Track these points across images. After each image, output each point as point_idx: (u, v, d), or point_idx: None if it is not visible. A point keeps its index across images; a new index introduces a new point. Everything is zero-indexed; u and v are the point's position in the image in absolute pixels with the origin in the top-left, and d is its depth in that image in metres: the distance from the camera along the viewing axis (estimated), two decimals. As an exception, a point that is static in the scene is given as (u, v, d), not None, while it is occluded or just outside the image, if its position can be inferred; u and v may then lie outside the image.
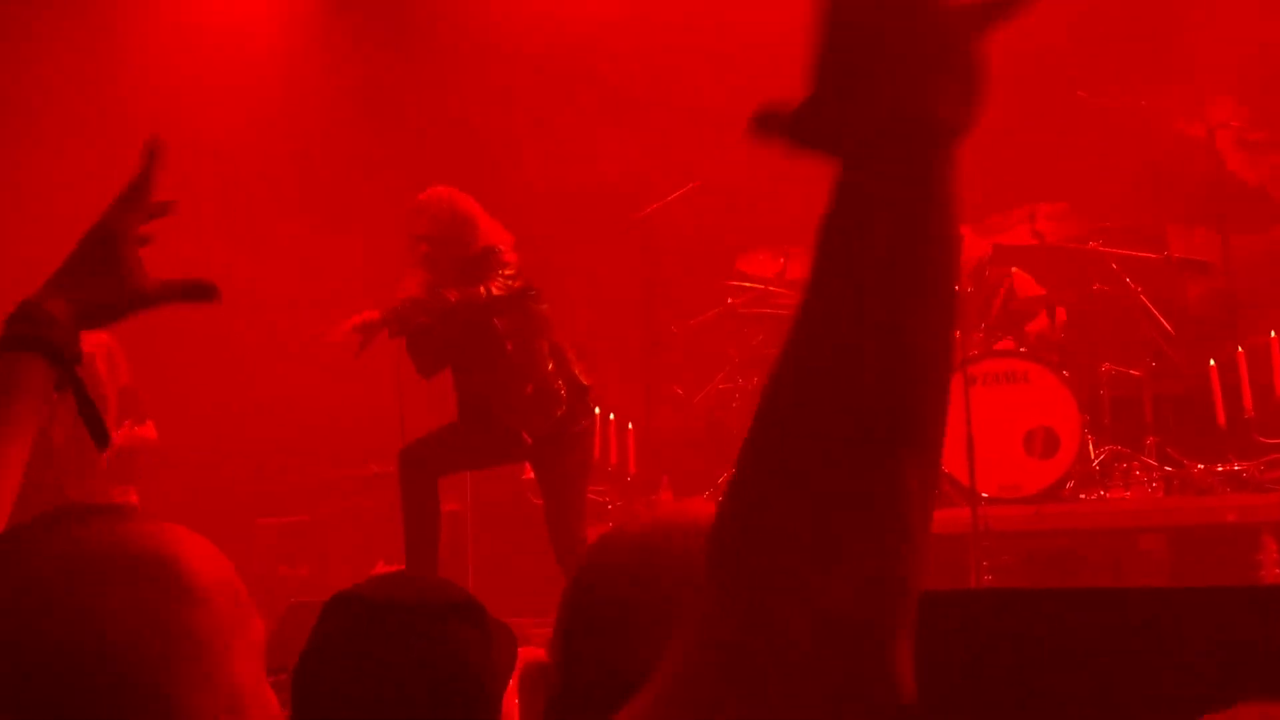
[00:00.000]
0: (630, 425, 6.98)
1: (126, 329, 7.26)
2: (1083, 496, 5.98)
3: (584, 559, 1.22)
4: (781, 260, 6.87)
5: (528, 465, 6.83)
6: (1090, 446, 6.03)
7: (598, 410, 5.72)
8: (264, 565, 8.85)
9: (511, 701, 1.49)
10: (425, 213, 5.14)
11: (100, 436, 1.31)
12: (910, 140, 0.74)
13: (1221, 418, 5.72)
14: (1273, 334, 5.68)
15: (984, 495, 5.72)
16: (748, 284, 7.07)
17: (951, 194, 0.75)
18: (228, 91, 9.28)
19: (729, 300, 7.02)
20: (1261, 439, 5.77)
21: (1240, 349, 5.72)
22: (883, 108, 0.74)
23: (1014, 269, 6.80)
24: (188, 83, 9.22)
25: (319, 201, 9.31)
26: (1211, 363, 5.83)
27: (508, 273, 5.09)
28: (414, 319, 5.05)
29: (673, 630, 0.73)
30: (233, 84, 9.33)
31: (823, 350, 0.72)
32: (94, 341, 6.84)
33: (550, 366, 5.22)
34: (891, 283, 0.72)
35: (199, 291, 1.37)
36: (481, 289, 5.01)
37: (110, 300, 1.35)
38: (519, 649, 1.42)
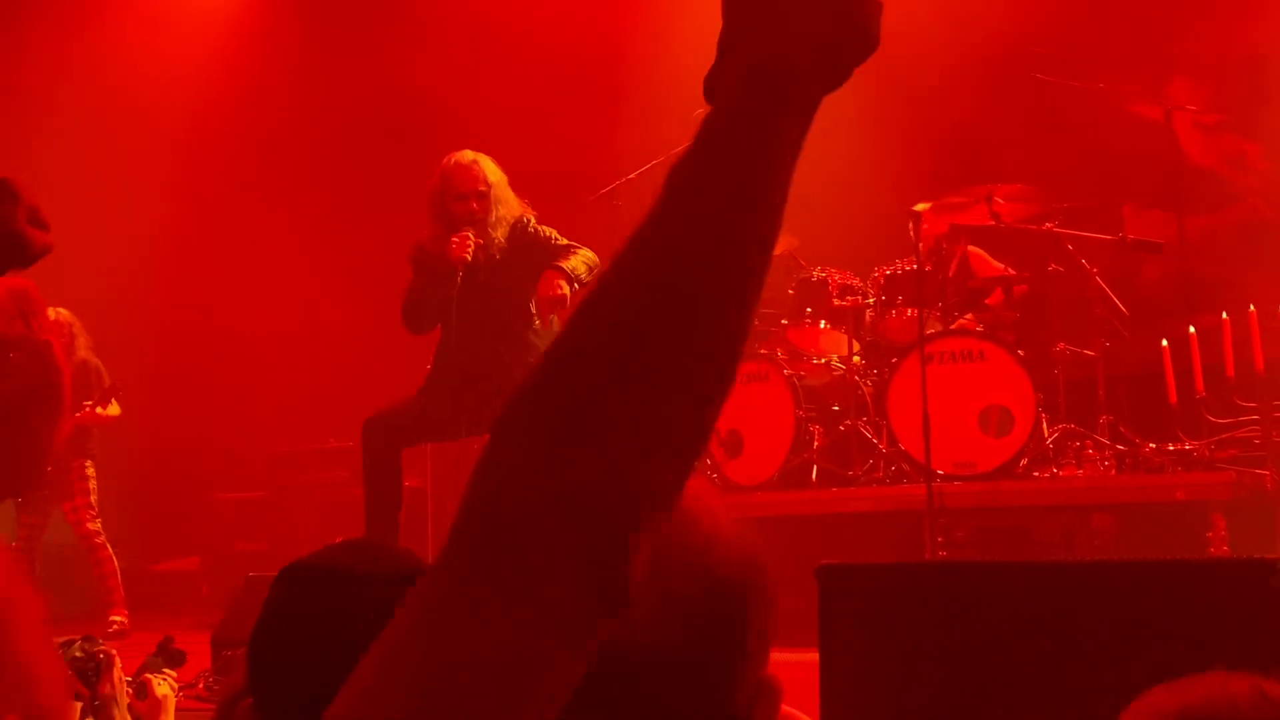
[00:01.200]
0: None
1: (88, 305, 7.19)
2: (1036, 474, 6.04)
3: None
4: (742, 238, 6.87)
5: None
6: (1044, 425, 6.10)
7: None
8: (222, 540, 8.83)
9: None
10: (479, 171, 5.12)
11: None
12: (754, 83, 0.79)
13: (1173, 397, 5.79)
14: (1224, 315, 5.75)
15: (939, 472, 5.79)
16: (708, 262, 7.08)
17: (789, 140, 0.79)
18: (188, 73, 9.19)
19: (689, 278, 7.02)
20: (1212, 419, 5.84)
21: (1192, 330, 5.79)
22: (742, 55, 0.80)
23: (971, 248, 6.86)
24: (150, 62, 9.12)
25: (279, 182, 9.24)
26: (1164, 343, 5.90)
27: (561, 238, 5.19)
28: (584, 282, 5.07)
29: None
30: (193, 67, 9.24)
31: (637, 267, 0.76)
32: (51, 322, 6.78)
33: None
34: (711, 210, 0.77)
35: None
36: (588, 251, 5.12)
37: None
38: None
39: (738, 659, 0.93)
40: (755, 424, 6.46)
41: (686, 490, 0.77)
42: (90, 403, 6.90)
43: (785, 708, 1.89)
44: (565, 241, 5.19)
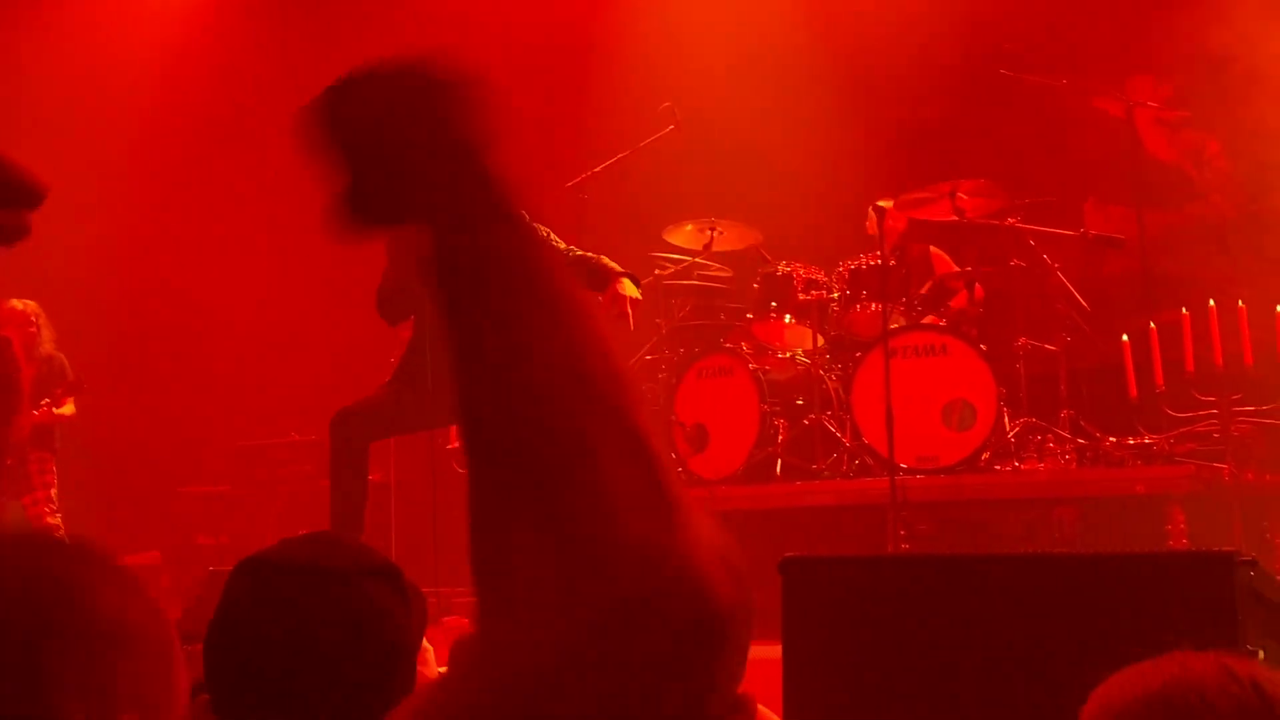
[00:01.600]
0: (555, 395, 6.97)
1: (49, 297, 7.12)
2: (998, 468, 6.09)
3: None
4: (708, 233, 6.89)
5: (453, 433, 6.81)
6: (1006, 419, 6.14)
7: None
8: (184, 534, 8.75)
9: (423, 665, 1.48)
10: None
11: None
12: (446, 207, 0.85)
13: (1133, 392, 5.84)
14: (1184, 310, 5.81)
15: (902, 466, 5.82)
16: (674, 256, 7.10)
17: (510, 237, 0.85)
18: (151, 61, 9.11)
19: (655, 272, 7.04)
20: (1171, 413, 5.90)
21: (1152, 325, 5.84)
22: (421, 188, 0.86)
23: (933, 249, 6.89)
24: (112, 50, 9.02)
25: (242, 172, 9.16)
26: (1124, 338, 5.94)
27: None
28: None
29: None
30: (156, 54, 9.15)
31: (484, 368, 0.82)
32: (18, 313, 6.71)
33: None
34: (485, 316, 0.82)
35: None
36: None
37: None
38: (446, 619, 1.39)
39: (714, 677, 0.93)
40: (720, 418, 6.47)
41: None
42: (47, 401, 6.83)
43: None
44: (564, 245, 5.16)
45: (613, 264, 5.16)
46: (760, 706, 1.04)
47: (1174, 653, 1.20)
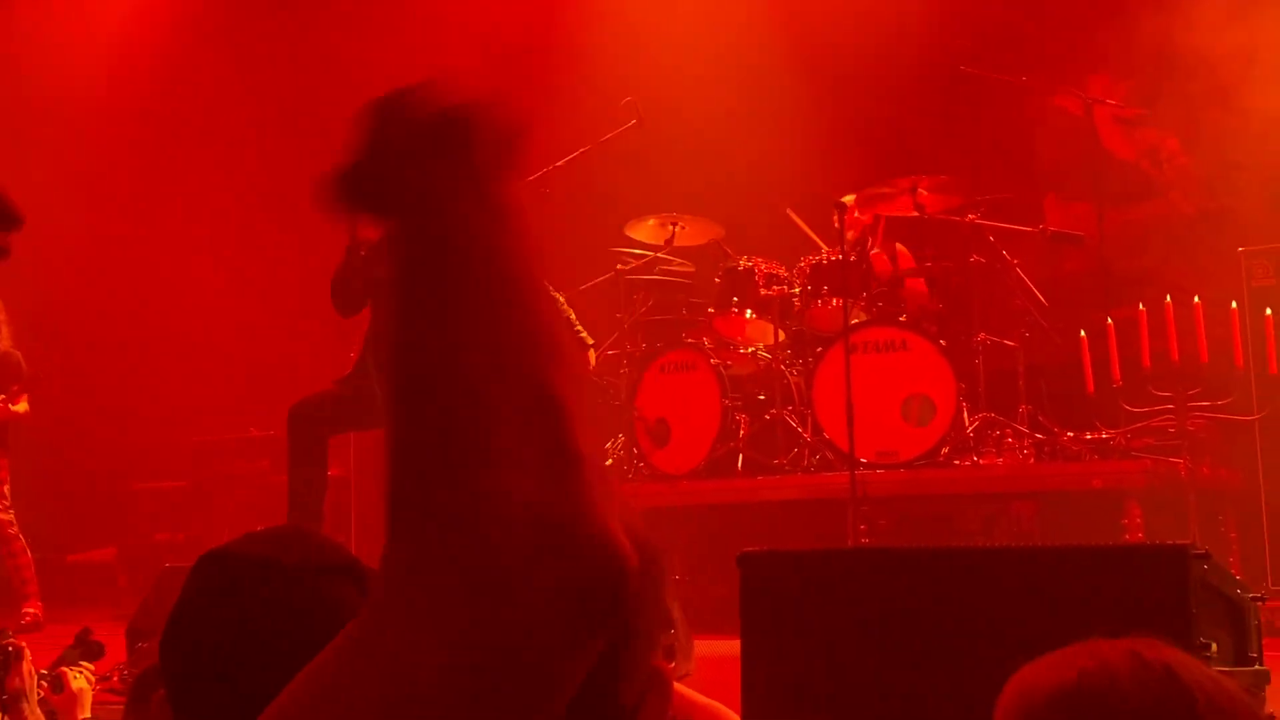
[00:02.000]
0: (516, 390, 6.95)
1: (2, 295, 7.02)
2: (957, 463, 6.12)
3: None
4: (670, 228, 6.90)
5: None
6: (965, 414, 6.17)
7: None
8: (140, 530, 8.68)
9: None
10: None
11: None
12: (429, 193, 0.89)
13: (1091, 387, 5.89)
14: (1141, 306, 5.86)
15: (862, 461, 5.84)
16: (636, 251, 7.10)
17: (483, 224, 0.88)
18: (101, 52, 9.00)
19: (617, 267, 7.05)
20: (1129, 408, 5.95)
21: (1110, 321, 5.89)
22: (407, 172, 0.91)
23: (895, 241, 6.92)
24: (62, 40, 8.92)
25: (196, 167, 9.08)
26: (1082, 334, 5.99)
27: None
28: None
29: None
30: (106, 45, 9.05)
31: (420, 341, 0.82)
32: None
33: None
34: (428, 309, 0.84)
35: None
36: None
37: None
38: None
39: (620, 650, 0.93)
40: (682, 413, 6.47)
41: None
42: (2, 398, 6.74)
43: (708, 699, 1.89)
44: None
45: (583, 332, 5.22)
46: (676, 683, 1.04)
47: (1086, 642, 1.20)
